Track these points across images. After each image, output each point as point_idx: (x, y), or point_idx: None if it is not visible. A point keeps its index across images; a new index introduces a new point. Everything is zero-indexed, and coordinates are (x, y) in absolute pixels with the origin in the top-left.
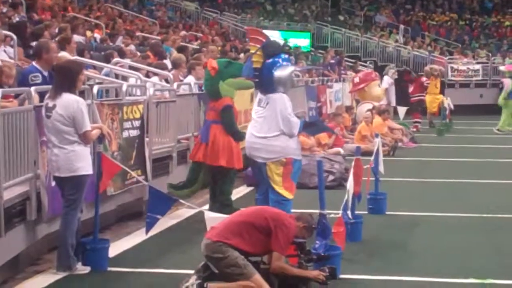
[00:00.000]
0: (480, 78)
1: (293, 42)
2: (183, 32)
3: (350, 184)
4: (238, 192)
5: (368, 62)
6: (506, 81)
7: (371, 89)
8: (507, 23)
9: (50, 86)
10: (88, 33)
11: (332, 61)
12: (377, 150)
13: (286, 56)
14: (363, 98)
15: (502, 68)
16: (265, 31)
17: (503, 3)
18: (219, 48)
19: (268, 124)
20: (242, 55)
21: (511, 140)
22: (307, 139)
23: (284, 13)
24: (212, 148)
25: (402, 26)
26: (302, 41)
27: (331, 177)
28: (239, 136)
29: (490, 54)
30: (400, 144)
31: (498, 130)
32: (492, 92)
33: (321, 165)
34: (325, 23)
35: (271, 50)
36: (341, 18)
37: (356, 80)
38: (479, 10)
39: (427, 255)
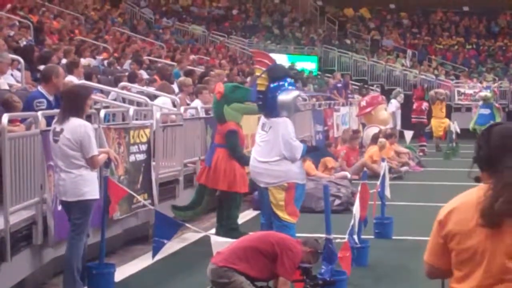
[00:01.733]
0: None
1: (300, 65)
2: (192, 56)
3: (356, 208)
4: (245, 216)
5: (375, 86)
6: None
7: (378, 113)
8: None
9: (57, 110)
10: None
11: (339, 84)
12: (384, 174)
13: (291, 80)
14: (369, 121)
15: (487, 93)
16: (272, 55)
17: (510, 27)
18: (226, 71)
19: (270, 149)
20: (248, 79)
21: None
22: (313, 167)
23: (291, 36)
24: (214, 171)
25: (409, 51)
26: (309, 65)
27: (337, 201)
28: (244, 160)
29: (497, 78)
30: (407, 168)
31: None
32: None
33: (327, 190)
34: (332, 46)
35: (276, 74)
36: (348, 42)
37: (363, 103)
38: (486, 34)
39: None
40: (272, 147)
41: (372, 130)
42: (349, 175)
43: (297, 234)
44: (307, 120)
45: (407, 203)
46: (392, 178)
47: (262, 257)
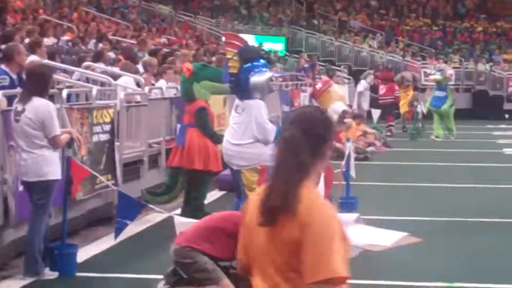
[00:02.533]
0: (452, 83)
1: (267, 46)
2: (163, 39)
3: (320, 188)
4: (211, 196)
5: (342, 67)
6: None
7: (335, 90)
8: (480, 28)
9: (18, 90)
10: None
11: (306, 65)
12: (349, 154)
13: (264, 61)
14: (329, 101)
15: (437, 76)
16: (241, 35)
17: (476, 8)
18: (193, 52)
19: (243, 131)
20: (214, 58)
21: (482, 144)
22: None
23: (258, 17)
24: (188, 151)
25: (378, 34)
26: (277, 46)
27: None
28: (216, 138)
29: (463, 59)
30: (372, 148)
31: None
32: (464, 96)
33: None
34: (299, 27)
35: (249, 55)
36: (316, 22)
37: (319, 85)
38: (452, 16)
39: (396, 259)
40: (245, 130)
41: (339, 105)
42: None
43: None
44: (274, 100)
45: (372, 183)
46: (358, 158)
47: (226, 237)
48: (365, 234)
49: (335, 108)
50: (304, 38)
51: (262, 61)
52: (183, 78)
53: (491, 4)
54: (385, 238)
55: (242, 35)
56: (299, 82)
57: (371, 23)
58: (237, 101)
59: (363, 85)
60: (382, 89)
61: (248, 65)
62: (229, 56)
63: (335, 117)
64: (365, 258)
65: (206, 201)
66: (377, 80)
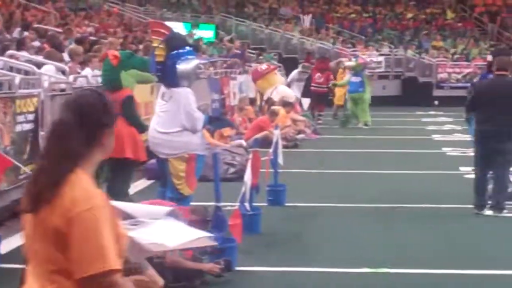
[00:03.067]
0: (383, 70)
1: (197, 34)
2: (90, 28)
3: (247, 176)
4: (137, 186)
5: (273, 54)
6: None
7: (275, 75)
8: (410, 15)
9: None
10: None
11: (237, 51)
12: (276, 141)
13: (190, 49)
14: (267, 85)
15: (351, 63)
16: (169, 23)
17: None
18: (120, 40)
19: (170, 119)
20: (141, 46)
21: (412, 130)
22: (208, 136)
23: (188, 4)
24: (116, 140)
25: (308, 16)
26: (207, 33)
27: (232, 170)
28: (142, 127)
29: (393, 46)
30: (302, 135)
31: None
32: (394, 83)
33: (216, 157)
34: (229, 15)
35: (175, 43)
36: (246, 10)
37: (263, 67)
38: (382, 3)
39: (324, 246)
40: (173, 118)
41: (283, 89)
42: (244, 143)
43: (192, 203)
44: (203, 88)
45: (301, 170)
46: (288, 146)
47: None
48: (161, 231)
49: (279, 90)
50: (234, 26)
51: (188, 48)
52: (110, 66)
53: None
54: (176, 238)
55: (171, 23)
56: (229, 70)
57: (301, 10)
58: (163, 89)
59: (294, 74)
60: (320, 78)
61: (174, 53)
62: (156, 45)
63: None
64: (296, 245)
65: (132, 191)
66: (312, 68)
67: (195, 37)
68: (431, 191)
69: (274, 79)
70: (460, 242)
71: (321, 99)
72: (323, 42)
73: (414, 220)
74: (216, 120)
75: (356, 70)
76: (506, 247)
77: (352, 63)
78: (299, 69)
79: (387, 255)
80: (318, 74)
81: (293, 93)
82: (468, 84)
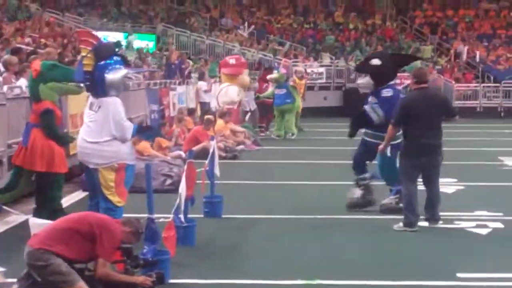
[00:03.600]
0: (324, 81)
1: (138, 44)
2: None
3: (182, 187)
4: (73, 197)
5: (216, 63)
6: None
7: (244, 76)
8: (351, 26)
9: None
10: None
11: (177, 61)
12: (213, 152)
13: (119, 58)
14: (231, 81)
15: (273, 75)
16: (109, 33)
17: (347, 6)
18: (59, 50)
19: (99, 129)
20: (79, 56)
21: (352, 141)
22: (148, 147)
23: (128, 14)
24: (30, 152)
25: (247, 25)
26: (148, 43)
27: (169, 181)
28: (61, 140)
29: (334, 57)
30: (242, 146)
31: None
32: (335, 94)
33: (148, 169)
34: (170, 25)
35: (103, 53)
36: (187, 20)
37: (232, 61)
38: (324, 14)
39: (260, 258)
40: (102, 127)
41: (233, 89)
42: (183, 154)
43: (127, 214)
44: (141, 99)
45: (240, 182)
46: (227, 157)
47: (80, 238)
48: None
49: (228, 91)
50: (175, 36)
51: (116, 58)
52: (31, 77)
53: (361, 2)
54: None
55: (111, 33)
56: (169, 81)
57: (242, 20)
58: (91, 99)
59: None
60: (266, 88)
61: (102, 62)
62: (84, 54)
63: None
64: (231, 257)
65: (68, 202)
66: (258, 79)
67: (136, 47)
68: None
69: (239, 76)
70: (394, 253)
71: (267, 110)
72: (264, 53)
73: (350, 231)
74: (146, 130)
75: (280, 82)
76: (440, 258)
77: (274, 75)
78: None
79: (321, 266)
80: (266, 84)
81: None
82: None
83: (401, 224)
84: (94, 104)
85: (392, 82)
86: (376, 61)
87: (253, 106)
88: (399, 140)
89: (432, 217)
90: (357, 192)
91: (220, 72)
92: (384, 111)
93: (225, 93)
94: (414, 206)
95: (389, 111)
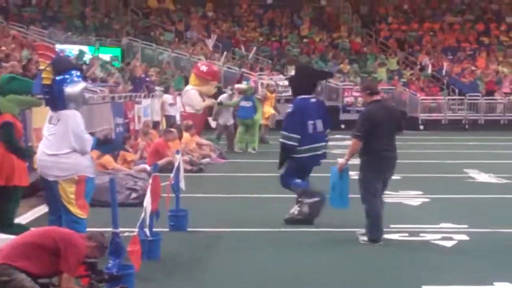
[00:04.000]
0: (290, 93)
1: (103, 57)
2: None
3: (147, 201)
4: (37, 211)
5: (182, 76)
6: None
7: (211, 86)
8: (317, 38)
9: None
10: None
11: (143, 75)
12: (178, 166)
13: (78, 72)
14: (198, 86)
15: (242, 86)
16: (74, 46)
17: (312, 20)
18: (23, 63)
19: (59, 142)
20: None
21: None
22: (111, 161)
23: (94, 27)
24: None
25: (212, 39)
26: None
27: (134, 195)
28: (21, 153)
29: None
30: (208, 160)
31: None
32: None
33: (113, 182)
34: (135, 38)
35: (62, 66)
36: (152, 33)
37: (203, 68)
38: (289, 27)
39: (224, 272)
40: (61, 140)
41: (194, 94)
42: (148, 168)
43: (92, 229)
44: (106, 112)
45: (205, 195)
46: (193, 170)
47: (44, 253)
48: None
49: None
50: (140, 49)
51: (75, 71)
52: None
53: (326, 16)
54: None
55: (76, 46)
56: (134, 94)
57: (208, 34)
58: (51, 113)
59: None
60: None
61: (61, 76)
62: (42, 67)
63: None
64: (196, 271)
65: (32, 217)
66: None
67: (101, 62)
68: (334, 215)
69: (205, 86)
70: (359, 266)
71: None
72: (230, 66)
73: (315, 244)
74: (106, 143)
75: (247, 94)
76: (405, 270)
77: (243, 86)
78: (229, 92)
79: (286, 280)
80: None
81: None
82: None
83: (365, 238)
84: (53, 118)
85: (305, 96)
86: (292, 73)
87: (229, 121)
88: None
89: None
90: (295, 208)
91: (192, 72)
92: (283, 124)
93: (188, 96)
94: (380, 222)
95: (286, 125)
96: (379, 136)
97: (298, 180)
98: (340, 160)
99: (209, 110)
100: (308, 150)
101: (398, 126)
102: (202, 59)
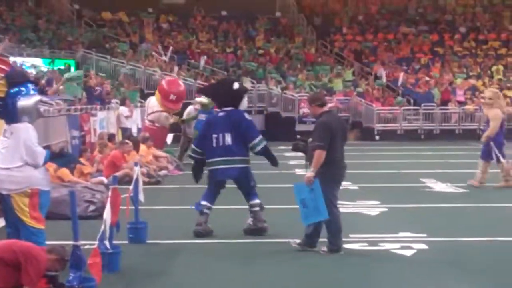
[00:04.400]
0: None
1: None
2: None
3: (107, 213)
4: None
5: (138, 89)
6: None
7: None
8: (272, 50)
9: None
10: None
11: (98, 87)
12: (137, 178)
13: (32, 85)
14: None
15: (203, 99)
16: (28, 59)
17: (267, 31)
18: None
19: (11, 155)
20: None
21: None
22: (68, 173)
23: (47, 40)
24: None
25: (168, 51)
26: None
27: (92, 207)
28: None
29: (255, 81)
30: (165, 172)
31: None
32: (257, 118)
33: (73, 195)
34: (89, 50)
35: (16, 79)
36: (106, 45)
37: (172, 97)
38: (244, 38)
39: (184, 284)
40: (14, 153)
41: (153, 102)
42: (105, 180)
43: (51, 242)
44: (61, 125)
45: (164, 207)
46: (151, 182)
47: (5, 267)
48: None
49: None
50: (94, 61)
51: (30, 84)
52: None
53: (281, 27)
54: None
55: (30, 59)
56: (89, 106)
57: (162, 46)
58: (5, 126)
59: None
60: None
61: (15, 89)
62: None
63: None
64: (156, 284)
65: None
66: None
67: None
68: (293, 225)
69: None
70: (319, 276)
71: None
72: (186, 78)
73: (274, 255)
74: (60, 156)
75: (207, 108)
76: (365, 280)
77: (204, 100)
78: (195, 105)
79: None
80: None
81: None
82: None
83: (325, 248)
84: (7, 131)
85: (219, 110)
86: (247, 84)
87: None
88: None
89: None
90: (250, 219)
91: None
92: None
93: (152, 106)
94: (341, 231)
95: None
96: (337, 146)
97: (200, 202)
98: (308, 174)
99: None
100: (213, 163)
101: (346, 135)
102: (158, 71)
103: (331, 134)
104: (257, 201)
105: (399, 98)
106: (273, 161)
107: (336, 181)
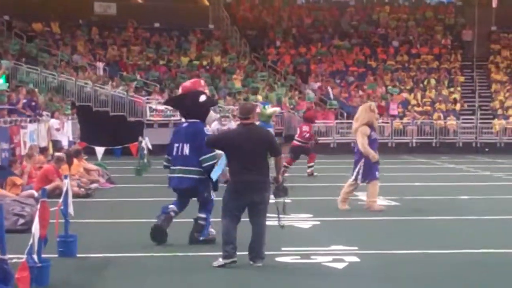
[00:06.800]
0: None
1: None
2: None
3: (35, 227)
4: None
5: (65, 102)
6: None
7: None
8: (205, 62)
9: None
10: None
11: (25, 100)
12: (66, 191)
13: None
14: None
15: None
16: None
17: (199, 43)
18: None
19: None
20: None
21: None
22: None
23: None
24: None
25: (100, 64)
26: None
27: (21, 221)
28: None
29: None
30: (96, 185)
31: None
32: None
33: (0, 208)
34: (20, 62)
35: None
36: (37, 57)
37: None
38: (177, 51)
39: None
40: None
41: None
42: (35, 194)
43: None
44: None
45: (94, 220)
46: (81, 195)
47: None
48: None
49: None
50: (25, 73)
51: None
52: None
53: (214, 39)
54: None
55: None
56: (20, 118)
57: (94, 58)
58: None
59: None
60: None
61: None
62: None
63: None
64: None
65: None
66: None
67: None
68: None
69: None
70: None
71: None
72: (118, 90)
73: (208, 268)
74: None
75: (267, 120)
76: None
77: (266, 110)
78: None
79: None
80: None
81: None
82: None
83: (220, 259)
84: None
85: (188, 120)
86: None
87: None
88: None
89: (257, 255)
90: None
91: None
92: None
93: None
94: (233, 239)
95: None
96: (236, 158)
97: (168, 205)
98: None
99: None
100: (172, 171)
101: (270, 150)
102: (89, 84)
103: (222, 144)
104: (203, 215)
105: (310, 94)
106: (214, 185)
107: (234, 191)
